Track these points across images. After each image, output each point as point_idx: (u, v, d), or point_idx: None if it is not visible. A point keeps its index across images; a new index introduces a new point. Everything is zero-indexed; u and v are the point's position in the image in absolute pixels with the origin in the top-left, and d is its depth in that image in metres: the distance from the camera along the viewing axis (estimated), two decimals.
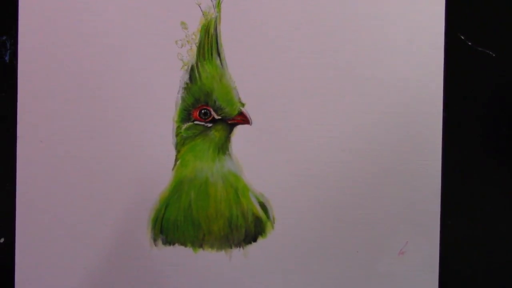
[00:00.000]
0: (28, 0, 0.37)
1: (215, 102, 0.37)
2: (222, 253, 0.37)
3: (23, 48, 0.37)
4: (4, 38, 0.37)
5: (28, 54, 0.37)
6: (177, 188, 0.37)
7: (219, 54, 0.37)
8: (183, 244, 0.37)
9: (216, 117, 0.37)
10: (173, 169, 0.37)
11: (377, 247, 0.37)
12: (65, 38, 0.37)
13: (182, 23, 0.37)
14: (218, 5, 0.37)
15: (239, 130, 0.37)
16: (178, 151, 0.37)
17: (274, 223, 0.37)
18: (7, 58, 0.37)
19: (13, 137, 0.37)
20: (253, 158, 0.37)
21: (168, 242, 0.37)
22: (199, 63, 0.37)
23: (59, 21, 0.37)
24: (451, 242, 0.38)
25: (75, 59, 0.37)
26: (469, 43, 0.38)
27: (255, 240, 0.37)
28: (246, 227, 0.37)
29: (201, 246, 0.37)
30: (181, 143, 0.37)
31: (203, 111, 0.37)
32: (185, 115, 0.37)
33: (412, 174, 0.37)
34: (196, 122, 0.37)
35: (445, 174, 0.37)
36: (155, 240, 0.37)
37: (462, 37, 0.38)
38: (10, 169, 0.37)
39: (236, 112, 0.37)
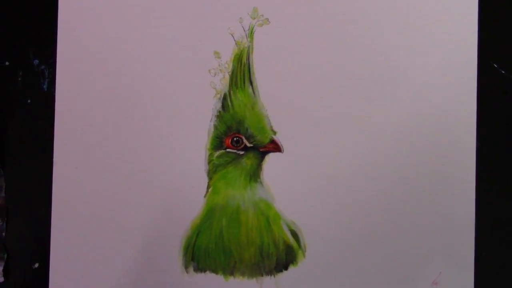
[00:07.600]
0: (66, 30, 0.38)
1: (247, 130, 0.37)
2: (253, 281, 0.37)
3: (60, 77, 0.38)
4: (43, 67, 0.38)
5: (65, 83, 0.38)
6: (209, 215, 0.37)
7: (251, 83, 0.37)
8: (214, 271, 0.37)
9: (248, 145, 0.37)
10: (205, 196, 0.37)
11: (410, 277, 0.37)
12: (101, 68, 0.38)
13: (216, 53, 0.37)
14: (251, 35, 0.37)
15: (271, 158, 0.37)
16: (210, 178, 0.37)
17: (305, 251, 0.37)
18: (45, 86, 0.38)
19: (50, 164, 0.38)
20: (285, 186, 0.37)
21: (200, 269, 0.37)
22: (231, 92, 0.37)
23: (96, 51, 0.38)
24: (486, 273, 0.37)
25: (111, 89, 0.38)
26: (502, 71, 0.38)
27: (286, 268, 0.37)
28: (277, 255, 0.37)
29: (232, 273, 0.37)
30: (213, 170, 0.37)
31: (235, 138, 0.37)
32: (217, 142, 0.37)
33: (446, 205, 0.37)
34: (228, 149, 0.37)
35: (479, 205, 0.37)
36: (186, 267, 0.37)
37: (495, 66, 0.38)
38: (46, 194, 0.38)
39: (267, 140, 0.37)
